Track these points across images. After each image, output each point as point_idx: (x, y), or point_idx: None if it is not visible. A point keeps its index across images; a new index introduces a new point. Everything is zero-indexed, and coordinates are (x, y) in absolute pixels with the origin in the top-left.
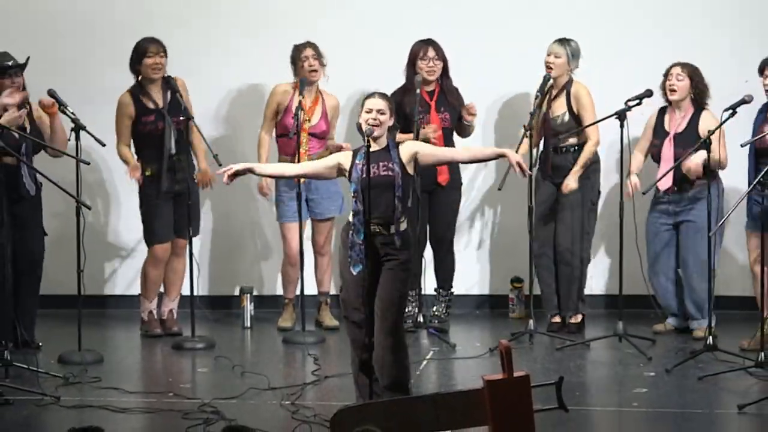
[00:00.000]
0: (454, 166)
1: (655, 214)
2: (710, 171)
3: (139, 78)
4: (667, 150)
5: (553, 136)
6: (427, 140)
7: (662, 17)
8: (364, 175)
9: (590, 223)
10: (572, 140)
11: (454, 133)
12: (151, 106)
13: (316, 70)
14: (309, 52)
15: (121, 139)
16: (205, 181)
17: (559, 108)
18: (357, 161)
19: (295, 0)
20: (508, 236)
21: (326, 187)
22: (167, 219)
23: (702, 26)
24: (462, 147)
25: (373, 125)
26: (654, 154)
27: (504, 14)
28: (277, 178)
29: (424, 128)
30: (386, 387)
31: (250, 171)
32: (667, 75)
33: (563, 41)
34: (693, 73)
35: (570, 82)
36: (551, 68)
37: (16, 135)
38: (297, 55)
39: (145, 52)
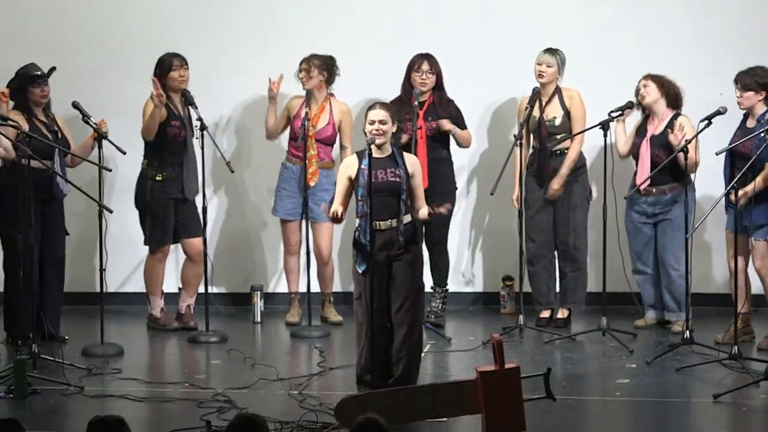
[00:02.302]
0: (447, 173)
1: (633, 214)
2: (686, 176)
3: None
4: (645, 150)
5: (549, 137)
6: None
7: (644, 33)
8: (373, 180)
9: (585, 220)
10: (567, 143)
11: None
12: (176, 113)
13: (302, 83)
14: (303, 65)
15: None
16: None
17: (554, 111)
18: (363, 166)
19: (300, 16)
20: (499, 238)
21: (321, 195)
22: (168, 222)
23: (682, 42)
24: (424, 208)
25: (376, 134)
26: (633, 152)
27: (495, 29)
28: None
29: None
30: (397, 379)
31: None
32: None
33: (553, 51)
34: (658, 82)
35: (558, 88)
36: (543, 76)
37: (46, 142)
38: (301, 63)
39: (170, 66)
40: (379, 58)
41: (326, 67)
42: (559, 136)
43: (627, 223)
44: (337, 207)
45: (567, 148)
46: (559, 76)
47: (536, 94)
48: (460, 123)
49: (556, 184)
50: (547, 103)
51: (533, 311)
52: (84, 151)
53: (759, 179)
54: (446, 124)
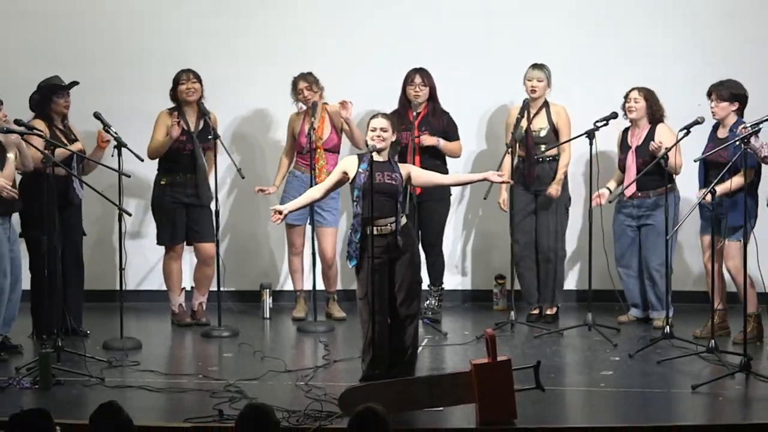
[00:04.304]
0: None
1: (620, 217)
2: (668, 181)
3: (178, 103)
4: (631, 161)
5: (534, 146)
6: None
7: (626, 49)
8: (369, 180)
9: (564, 225)
10: (551, 152)
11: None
12: (184, 127)
13: (309, 100)
14: (302, 85)
15: (153, 139)
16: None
17: (540, 123)
18: (361, 169)
19: (304, 34)
20: (492, 239)
21: (328, 202)
22: (179, 223)
23: (662, 56)
24: (451, 174)
25: (377, 140)
26: (620, 165)
27: (487, 44)
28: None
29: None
30: (405, 366)
31: (290, 210)
32: (626, 98)
33: (540, 66)
34: (648, 95)
35: (546, 102)
36: (535, 91)
37: (67, 148)
38: (293, 87)
39: (178, 80)
40: (379, 73)
41: (317, 80)
42: (543, 147)
43: (614, 226)
44: (280, 207)
45: (550, 157)
46: (548, 89)
47: (526, 106)
48: (450, 134)
49: (553, 190)
50: (535, 115)
51: (524, 308)
52: (96, 158)
53: (735, 179)
54: (427, 140)
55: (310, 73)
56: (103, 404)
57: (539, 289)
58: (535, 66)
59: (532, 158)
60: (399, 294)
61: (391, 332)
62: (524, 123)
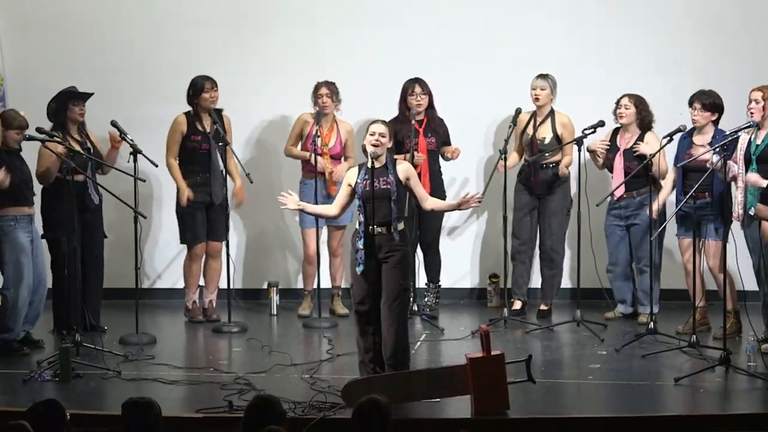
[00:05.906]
0: (440, 183)
1: (610, 218)
2: (653, 181)
3: (195, 107)
4: (618, 163)
5: (539, 153)
6: (416, 165)
7: (613, 61)
8: (367, 188)
9: (565, 227)
10: (555, 158)
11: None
12: (200, 128)
13: (327, 106)
14: (323, 90)
15: (170, 152)
16: (239, 196)
17: (545, 131)
18: (359, 180)
19: (311, 45)
20: (487, 239)
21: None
22: (201, 223)
23: (645, 68)
24: (433, 199)
25: (374, 146)
26: (608, 166)
27: (484, 57)
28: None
29: (417, 152)
30: (390, 365)
31: (302, 209)
32: (617, 103)
33: (544, 76)
34: (638, 102)
35: (552, 111)
36: (538, 99)
37: (84, 155)
38: (315, 91)
39: (203, 88)
40: (383, 83)
41: (338, 91)
42: (547, 153)
43: (605, 226)
44: (300, 205)
45: (554, 163)
46: (552, 97)
47: (518, 114)
48: (447, 139)
49: (564, 167)
50: (541, 123)
51: (514, 303)
52: (110, 161)
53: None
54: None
55: (333, 83)
56: (143, 402)
57: (540, 287)
58: (539, 76)
59: (536, 164)
60: (383, 293)
61: (379, 334)
62: (530, 130)
